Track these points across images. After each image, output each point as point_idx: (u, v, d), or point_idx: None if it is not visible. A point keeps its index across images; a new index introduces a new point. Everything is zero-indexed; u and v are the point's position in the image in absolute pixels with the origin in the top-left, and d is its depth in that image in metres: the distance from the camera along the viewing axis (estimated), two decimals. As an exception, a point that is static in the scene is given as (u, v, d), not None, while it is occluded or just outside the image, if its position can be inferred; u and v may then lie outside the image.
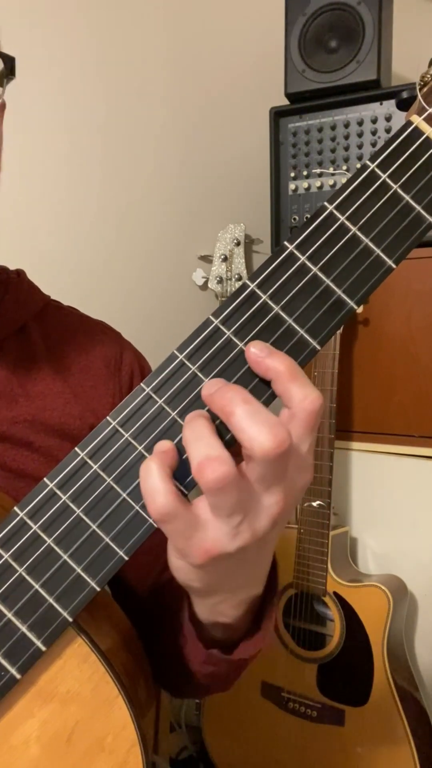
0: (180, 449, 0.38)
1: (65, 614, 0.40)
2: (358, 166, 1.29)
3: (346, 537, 1.28)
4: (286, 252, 0.38)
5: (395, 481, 1.25)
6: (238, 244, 1.40)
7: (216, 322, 0.38)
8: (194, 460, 0.35)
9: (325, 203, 0.37)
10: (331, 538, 1.19)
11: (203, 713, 1.36)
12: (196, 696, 0.58)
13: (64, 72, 1.31)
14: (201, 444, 0.35)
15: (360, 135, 1.28)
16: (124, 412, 0.39)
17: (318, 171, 1.31)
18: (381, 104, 1.25)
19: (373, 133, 1.27)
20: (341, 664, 1.20)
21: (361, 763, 1.17)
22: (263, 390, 0.38)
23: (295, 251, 0.38)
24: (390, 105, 1.24)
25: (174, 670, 0.53)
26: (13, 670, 0.41)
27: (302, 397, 0.35)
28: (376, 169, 0.37)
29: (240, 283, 1.40)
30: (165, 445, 0.38)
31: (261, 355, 0.36)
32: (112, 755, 0.43)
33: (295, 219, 1.35)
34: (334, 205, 0.37)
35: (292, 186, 1.34)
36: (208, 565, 0.37)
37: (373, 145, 1.27)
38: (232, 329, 0.38)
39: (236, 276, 1.40)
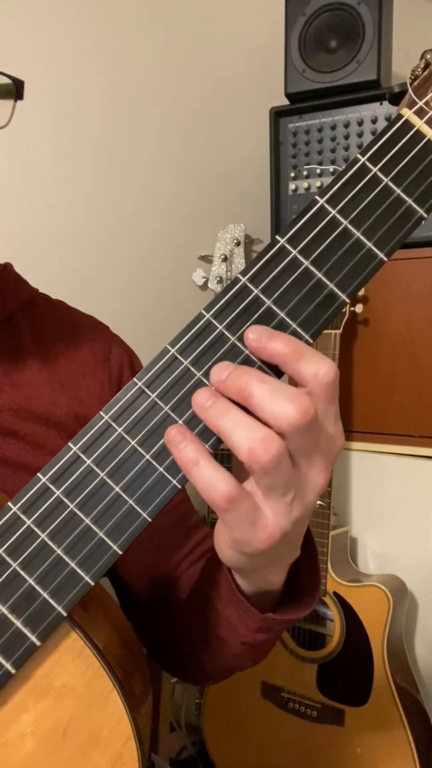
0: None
1: (60, 609, 0.40)
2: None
3: (346, 537, 1.28)
4: (278, 246, 0.38)
5: (395, 481, 1.25)
6: (238, 244, 1.40)
7: (208, 315, 0.38)
8: (243, 445, 0.34)
9: (316, 197, 0.37)
10: (331, 538, 1.19)
11: (203, 713, 1.36)
12: (223, 677, 0.59)
13: (62, 70, 1.31)
14: (242, 428, 0.34)
15: (360, 135, 1.28)
16: (117, 407, 0.39)
17: (317, 169, 1.31)
18: (381, 104, 1.25)
19: (373, 133, 1.27)
20: (341, 664, 1.20)
21: (361, 763, 1.17)
22: None
23: (287, 245, 0.38)
24: (390, 105, 1.24)
25: (211, 651, 0.54)
26: (7, 665, 0.41)
27: (313, 372, 0.35)
28: (367, 163, 0.37)
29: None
30: (186, 431, 0.37)
31: (261, 341, 0.36)
32: (107, 749, 0.43)
33: (295, 219, 1.35)
34: (325, 198, 0.37)
35: (292, 186, 1.34)
36: (270, 548, 0.37)
37: (373, 145, 1.28)
38: (225, 323, 0.38)
39: (236, 276, 1.40)
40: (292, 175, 1.34)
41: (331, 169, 1.30)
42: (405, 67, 1.35)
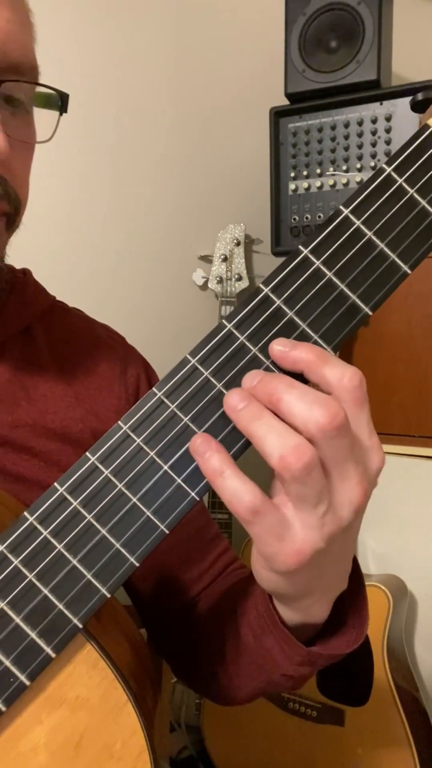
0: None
1: (75, 621, 0.40)
2: (358, 167, 1.29)
3: (347, 537, 1.28)
4: (301, 256, 0.37)
5: (395, 481, 1.25)
6: (238, 244, 1.40)
7: (229, 326, 0.38)
8: (274, 452, 0.33)
9: (341, 207, 0.37)
10: (332, 538, 1.19)
11: (203, 713, 1.36)
12: (254, 698, 0.57)
13: (62, 73, 1.30)
14: (275, 434, 0.34)
15: (360, 135, 1.27)
16: (136, 417, 0.39)
17: (317, 169, 1.30)
18: (381, 104, 1.24)
19: (373, 133, 1.27)
20: (341, 664, 1.19)
21: (361, 763, 1.17)
22: None
23: (310, 255, 0.37)
24: (390, 105, 1.24)
25: (246, 678, 0.52)
26: (22, 677, 0.40)
27: (339, 377, 0.34)
28: (393, 173, 0.36)
29: (240, 283, 1.41)
30: (211, 441, 0.36)
31: (285, 350, 0.36)
32: (121, 762, 0.42)
33: (295, 219, 1.35)
34: (350, 209, 0.37)
35: (292, 186, 1.34)
36: (300, 568, 0.36)
37: (373, 145, 1.27)
38: (246, 334, 0.38)
39: (236, 276, 1.40)
40: (292, 175, 1.34)
41: (331, 170, 1.30)
42: (405, 68, 1.36)
